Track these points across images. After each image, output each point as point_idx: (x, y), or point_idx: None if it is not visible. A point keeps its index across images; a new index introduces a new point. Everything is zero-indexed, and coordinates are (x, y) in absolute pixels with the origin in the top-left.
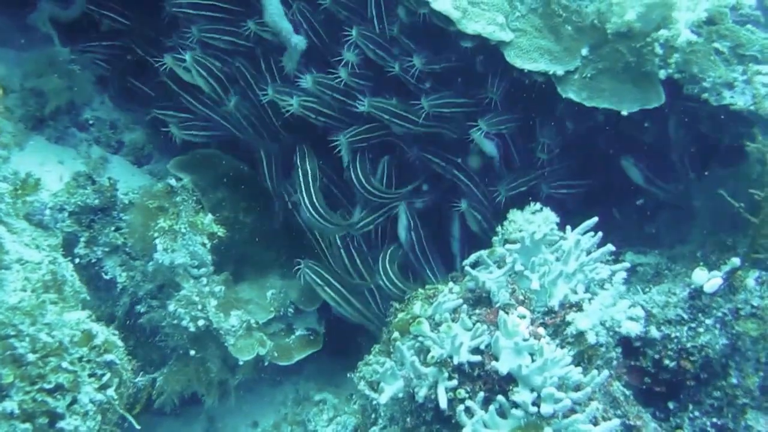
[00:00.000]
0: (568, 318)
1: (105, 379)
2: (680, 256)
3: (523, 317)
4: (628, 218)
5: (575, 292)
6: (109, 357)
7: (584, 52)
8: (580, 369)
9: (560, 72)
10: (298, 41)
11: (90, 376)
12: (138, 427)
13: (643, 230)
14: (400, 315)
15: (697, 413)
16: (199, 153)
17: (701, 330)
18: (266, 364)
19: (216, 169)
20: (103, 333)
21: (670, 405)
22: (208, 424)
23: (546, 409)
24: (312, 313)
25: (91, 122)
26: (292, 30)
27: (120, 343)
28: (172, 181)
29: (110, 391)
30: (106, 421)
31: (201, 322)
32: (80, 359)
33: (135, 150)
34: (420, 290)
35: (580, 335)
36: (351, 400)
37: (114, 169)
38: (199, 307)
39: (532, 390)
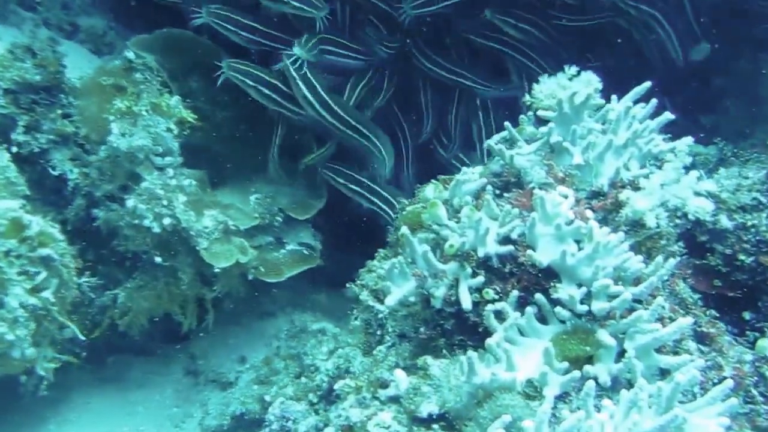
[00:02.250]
0: (622, 197)
1: (40, 278)
2: (743, 148)
3: (566, 197)
4: (681, 109)
5: (628, 169)
6: (44, 251)
7: None
8: (640, 258)
9: None
10: None
11: (20, 274)
12: (82, 337)
13: (699, 123)
14: (409, 207)
15: None
16: (169, 33)
17: None
18: (250, 278)
19: (189, 54)
20: (38, 224)
21: (746, 315)
22: (188, 362)
23: (599, 306)
24: (305, 225)
25: (38, 0)
26: None
27: (60, 235)
28: (131, 54)
29: (47, 294)
30: (43, 331)
31: (167, 221)
32: (7, 253)
33: (93, 37)
34: (432, 180)
35: (637, 221)
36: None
37: (67, 54)
38: (165, 202)
39: (580, 285)
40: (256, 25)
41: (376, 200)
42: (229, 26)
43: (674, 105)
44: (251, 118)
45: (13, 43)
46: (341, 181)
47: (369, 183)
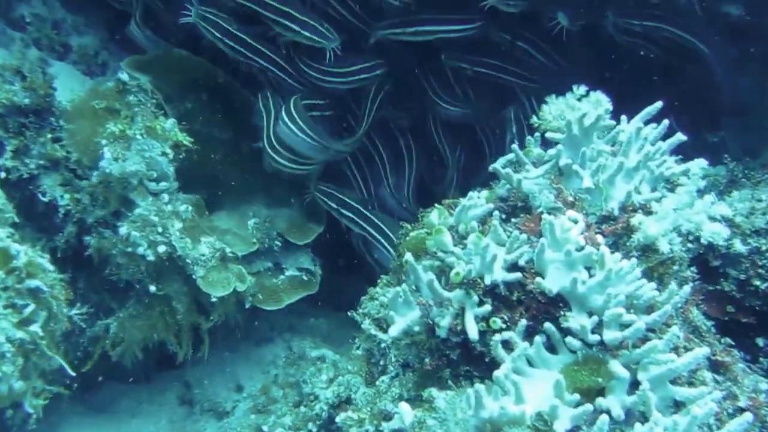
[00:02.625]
0: (633, 222)
1: (27, 311)
2: (754, 169)
3: (575, 221)
4: (686, 127)
5: (639, 192)
6: (33, 283)
7: None
8: (653, 285)
9: None
10: None
11: (7, 307)
12: (72, 373)
13: (705, 140)
14: (413, 233)
15: None
16: (164, 53)
17: None
18: (248, 306)
19: (185, 74)
20: (26, 253)
21: (760, 342)
22: (183, 391)
23: (611, 335)
24: (304, 250)
25: (27, 20)
26: None
27: (49, 266)
28: (124, 76)
29: (35, 327)
30: (32, 366)
31: (162, 249)
32: None
33: (86, 57)
34: (436, 205)
35: (649, 246)
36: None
37: (57, 76)
38: (159, 229)
39: (591, 313)
40: (244, 36)
41: (367, 227)
42: (215, 32)
43: (680, 123)
44: (249, 139)
45: (2, 65)
46: (333, 205)
47: (361, 209)
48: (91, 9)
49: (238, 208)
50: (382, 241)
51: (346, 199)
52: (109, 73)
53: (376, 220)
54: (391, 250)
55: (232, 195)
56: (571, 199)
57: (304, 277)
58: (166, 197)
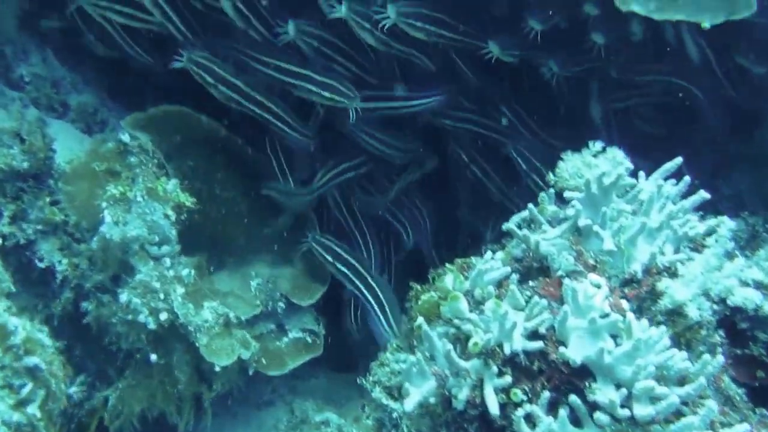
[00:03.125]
0: (660, 286)
1: (25, 391)
2: None
3: (598, 286)
4: (701, 177)
5: (663, 253)
6: (31, 361)
7: None
8: (684, 354)
9: None
10: None
11: (4, 387)
12: None
13: (720, 192)
14: (425, 296)
15: None
16: (164, 110)
17: None
18: (251, 373)
19: (186, 131)
20: (24, 329)
21: None
22: None
23: (642, 411)
24: (308, 310)
25: (26, 80)
26: None
27: (48, 341)
28: (125, 137)
29: (32, 408)
30: None
31: (164, 316)
32: None
33: (85, 115)
34: (448, 265)
35: (676, 311)
36: (360, 420)
37: (56, 136)
38: (161, 296)
39: (618, 385)
40: (239, 84)
41: (361, 286)
42: (208, 78)
43: (693, 174)
44: (250, 196)
45: (0, 128)
46: (329, 259)
47: (357, 266)
48: (89, 66)
49: (240, 268)
50: (373, 304)
51: (343, 254)
52: (108, 130)
53: (371, 281)
54: (381, 315)
55: (234, 254)
56: (592, 262)
57: (308, 339)
58: (168, 261)
